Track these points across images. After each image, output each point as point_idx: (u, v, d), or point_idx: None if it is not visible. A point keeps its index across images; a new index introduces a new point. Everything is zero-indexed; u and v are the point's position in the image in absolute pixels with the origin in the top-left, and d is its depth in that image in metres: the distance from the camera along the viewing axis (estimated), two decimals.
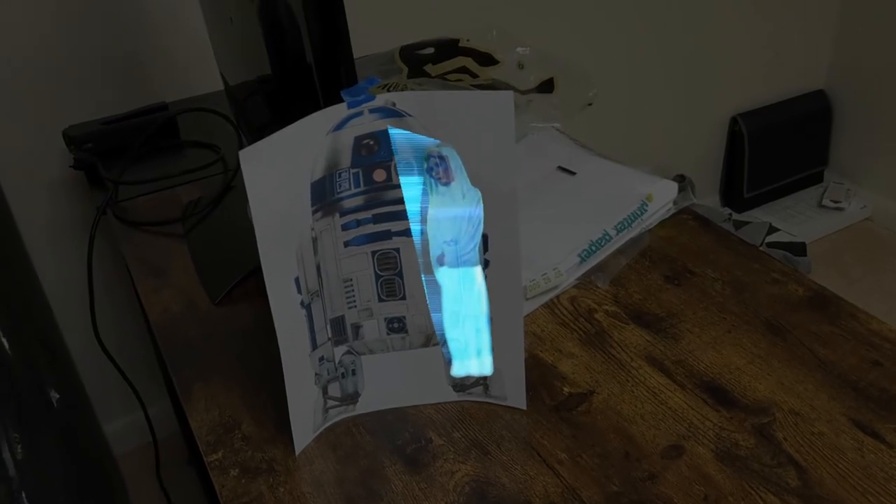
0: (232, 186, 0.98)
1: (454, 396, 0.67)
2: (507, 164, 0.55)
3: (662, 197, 0.88)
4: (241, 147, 1.07)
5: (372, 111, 0.55)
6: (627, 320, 0.74)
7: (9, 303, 0.86)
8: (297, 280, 0.57)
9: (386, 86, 1.06)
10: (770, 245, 1.96)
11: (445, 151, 0.56)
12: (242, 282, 0.83)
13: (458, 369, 0.66)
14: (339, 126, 0.54)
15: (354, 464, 0.63)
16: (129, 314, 1.47)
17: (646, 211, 0.85)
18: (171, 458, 1.52)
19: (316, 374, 0.62)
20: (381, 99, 0.54)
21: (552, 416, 0.65)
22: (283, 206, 0.54)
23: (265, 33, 0.60)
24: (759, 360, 0.68)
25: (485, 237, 0.59)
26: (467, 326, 0.63)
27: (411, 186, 0.57)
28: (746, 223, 2.00)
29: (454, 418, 0.66)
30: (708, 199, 2.11)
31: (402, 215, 0.59)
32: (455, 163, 0.56)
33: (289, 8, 0.54)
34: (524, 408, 0.66)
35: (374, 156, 0.56)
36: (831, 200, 2.08)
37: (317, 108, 0.53)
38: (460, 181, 0.57)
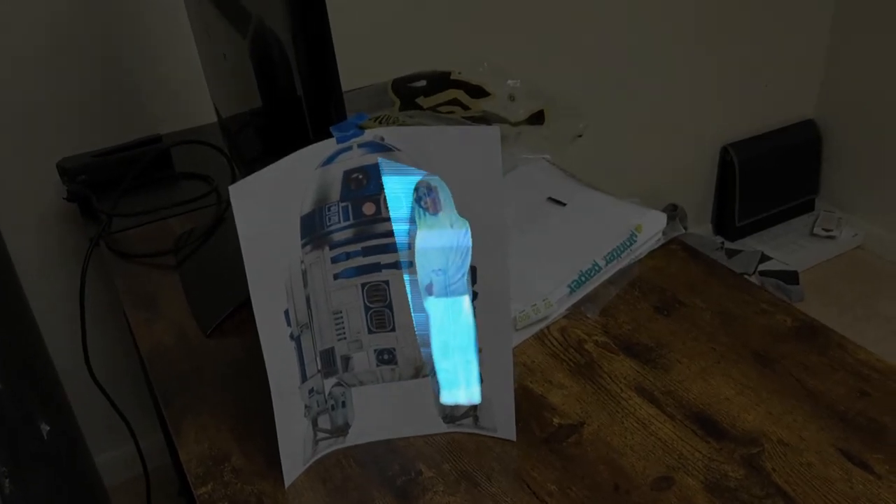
0: (224, 218, 0.98)
1: (444, 428, 0.67)
2: (494, 197, 0.56)
3: (651, 227, 0.88)
4: (234, 178, 1.08)
5: (361, 146, 0.55)
6: (617, 351, 0.75)
7: None
8: (286, 312, 0.58)
9: (378, 118, 1.07)
10: (762, 273, 1.97)
11: (434, 183, 0.57)
12: (234, 313, 0.83)
13: (448, 400, 0.66)
14: (329, 160, 0.55)
15: (344, 497, 0.62)
16: (121, 345, 1.46)
17: (635, 241, 0.86)
18: (163, 490, 1.50)
19: (306, 407, 0.63)
20: (370, 134, 0.55)
21: (542, 447, 0.65)
22: (272, 240, 0.54)
23: (256, 69, 0.61)
24: (748, 391, 0.69)
25: (473, 269, 0.59)
26: (457, 358, 0.64)
27: (401, 219, 0.58)
28: (739, 252, 2.01)
29: (444, 450, 0.66)
30: (700, 228, 2.12)
31: (392, 248, 0.59)
32: (444, 194, 0.57)
33: (279, 45, 0.55)
34: (514, 439, 0.66)
35: (364, 189, 0.57)
36: (823, 229, 2.09)
37: (307, 142, 0.54)
38: (448, 213, 0.58)
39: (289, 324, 0.58)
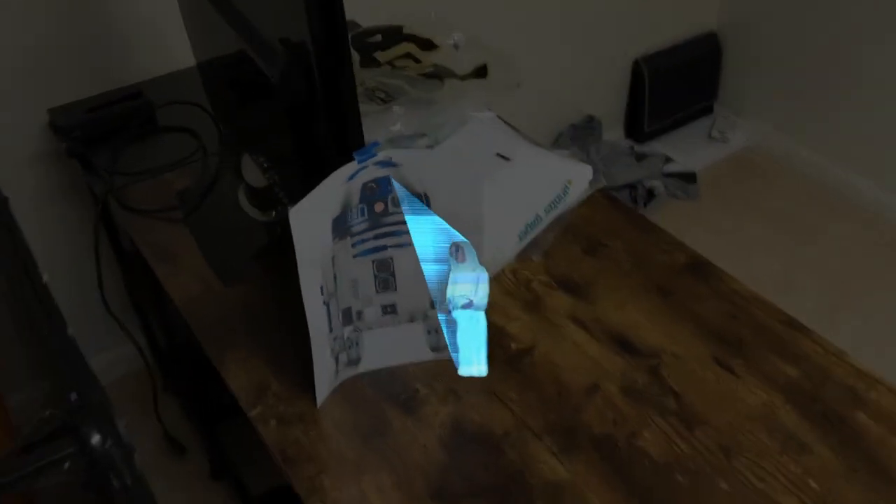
0: (218, 177, 1.14)
1: (432, 356, 0.89)
2: (472, 199, 0.76)
3: (581, 180, 1.09)
4: (219, 133, 1.22)
5: (375, 164, 0.74)
6: (557, 287, 0.98)
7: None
8: (321, 287, 0.77)
9: None
10: (666, 175, 2.23)
11: (424, 189, 0.76)
12: (247, 265, 1.01)
13: (435, 335, 0.88)
14: (352, 177, 0.73)
15: (363, 411, 0.85)
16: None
17: (568, 193, 1.07)
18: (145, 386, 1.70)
19: (331, 349, 0.83)
20: (382, 155, 0.73)
21: (505, 367, 0.89)
22: (314, 240, 0.73)
23: (289, 114, 0.77)
24: (652, 317, 0.93)
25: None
26: (441, 305, 0.85)
27: (401, 214, 0.77)
28: (646, 156, 2.26)
29: (432, 373, 0.88)
30: (613, 133, 2.35)
31: (395, 234, 0.79)
32: (432, 196, 0.77)
33: (314, 102, 0.71)
34: None
35: (375, 194, 0.76)
36: (718, 131, 2.36)
37: (335, 166, 0.72)
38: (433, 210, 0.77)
39: (322, 294, 0.78)
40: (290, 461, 0.80)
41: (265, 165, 0.99)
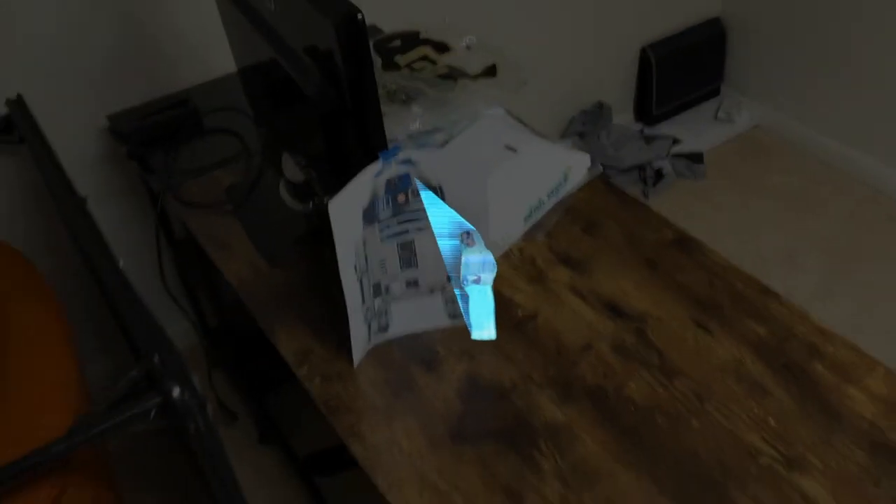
0: (261, 174, 1.30)
1: (450, 322, 1.04)
2: (478, 190, 0.91)
3: (579, 167, 1.24)
4: (259, 135, 1.38)
5: (397, 162, 0.89)
6: (558, 263, 1.12)
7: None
8: (355, 266, 0.92)
9: None
10: (674, 156, 2.35)
11: (438, 182, 0.91)
12: (288, 250, 1.17)
13: (452, 305, 1.03)
14: (378, 174, 0.88)
15: (392, 370, 1.00)
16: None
17: (568, 179, 1.22)
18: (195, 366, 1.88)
19: (364, 317, 0.99)
20: (403, 155, 0.88)
21: (512, 331, 1.03)
22: (349, 226, 0.88)
23: (322, 123, 0.92)
24: (641, 286, 1.08)
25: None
26: (456, 280, 1.00)
27: (420, 203, 0.92)
28: (655, 138, 2.38)
29: (451, 337, 1.04)
30: (624, 118, 2.47)
31: (416, 220, 0.94)
32: (447, 189, 0.91)
33: (343, 109, 0.86)
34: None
35: (398, 188, 0.91)
36: (724, 113, 2.47)
37: (363, 165, 0.87)
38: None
39: (356, 271, 0.93)
40: (332, 411, 0.96)
41: (302, 163, 1.14)
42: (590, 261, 1.12)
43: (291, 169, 1.18)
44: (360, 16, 0.77)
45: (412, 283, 1.00)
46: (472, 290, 1.01)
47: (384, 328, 1.03)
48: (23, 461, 0.86)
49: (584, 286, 1.08)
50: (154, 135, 1.39)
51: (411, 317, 1.03)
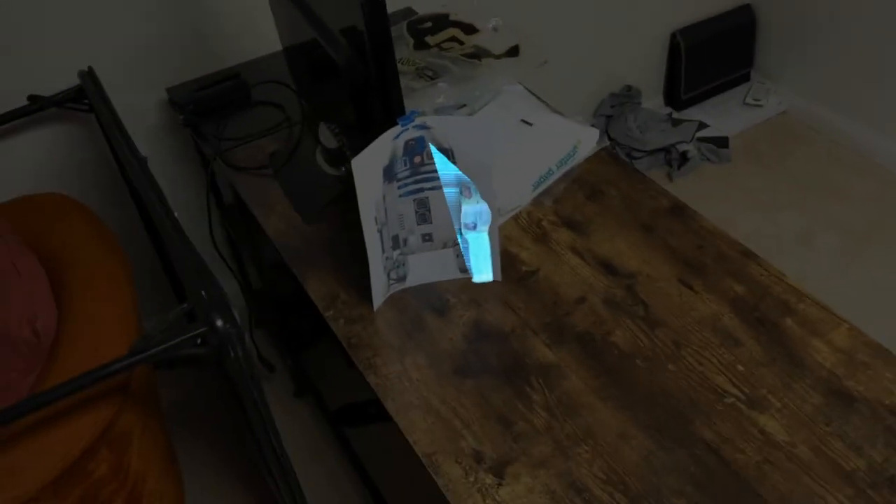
0: (300, 142, 1.44)
1: (460, 275, 1.17)
2: (484, 151, 1.03)
3: (588, 141, 1.35)
4: (301, 108, 1.52)
5: (414, 127, 1.01)
6: (561, 225, 1.24)
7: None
8: (375, 218, 1.06)
9: (399, 61, 1.50)
10: (699, 139, 2.43)
11: (450, 146, 1.03)
12: (322, 209, 1.31)
13: (463, 259, 1.16)
14: (397, 136, 1.01)
15: (407, 315, 1.14)
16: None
17: (577, 151, 1.33)
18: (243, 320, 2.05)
19: (384, 266, 1.12)
20: (419, 121, 1.01)
21: (515, 284, 1.16)
22: (370, 182, 1.02)
23: (352, 93, 1.06)
24: (634, 247, 1.19)
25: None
26: (467, 235, 1.13)
27: (434, 164, 1.05)
28: (682, 122, 2.47)
29: (460, 287, 1.16)
30: (653, 102, 2.55)
31: (431, 179, 1.07)
32: (457, 152, 1.04)
33: (367, 75, 0.99)
34: (500, 279, 1.16)
35: (415, 149, 1.04)
36: (753, 98, 2.53)
37: (384, 129, 1.00)
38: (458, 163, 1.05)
39: (376, 223, 1.07)
40: (353, 347, 1.10)
41: (336, 131, 1.28)
42: (590, 224, 1.23)
43: (327, 136, 1.32)
44: None
45: (427, 238, 1.13)
46: (472, 240, 1.13)
47: (402, 278, 1.16)
48: (86, 375, 1.02)
49: (583, 246, 1.20)
50: (207, 105, 1.55)
51: (426, 269, 1.16)
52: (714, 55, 2.50)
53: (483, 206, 1.06)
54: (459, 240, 1.13)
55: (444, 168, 1.06)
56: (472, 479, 0.94)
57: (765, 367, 1.01)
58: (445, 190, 1.08)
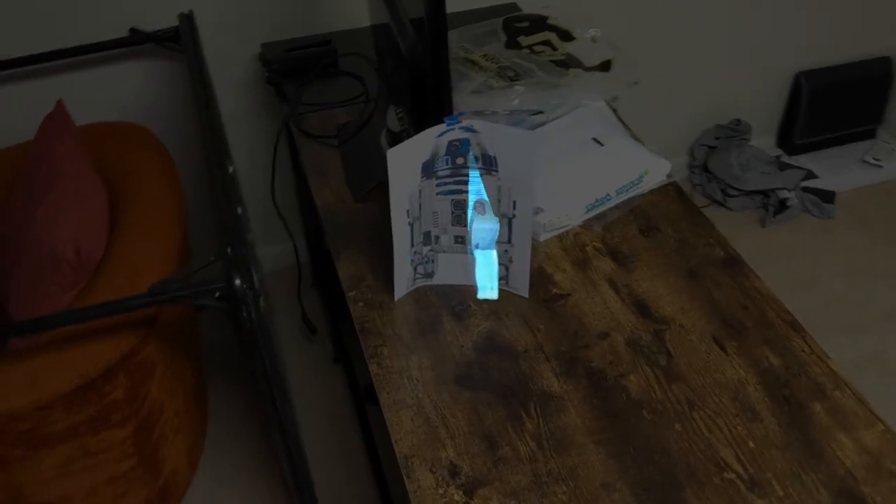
0: (372, 116, 1.44)
1: None
2: (528, 165, 0.99)
3: (657, 172, 1.28)
4: (379, 84, 1.52)
5: (459, 128, 0.99)
6: (605, 254, 1.19)
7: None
8: (407, 211, 1.04)
9: (484, 55, 1.47)
10: (804, 189, 2.28)
11: (494, 152, 1.00)
12: (374, 188, 1.31)
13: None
14: (441, 134, 0.99)
15: (425, 312, 1.12)
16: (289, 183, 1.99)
17: (642, 181, 1.27)
18: (304, 281, 2.09)
19: (411, 259, 1.11)
20: (465, 122, 0.98)
21: (541, 304, 1.12)
22: (405, 175, 1.00)
23: (412, 82, 1.04)
24: (675, 293, 1.12)
25: (514, 202, 1.04)
26: (500, 245, 1.10)
27: (475, 167, 1.02)
28: (789, 167, 2.32)
29: None
30: (763, 140, 2.42)
31: (472, 182, 1.04)
32: (500, 159, 1.01)
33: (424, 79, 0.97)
34: (526, 296, 1.13)
35: (458, 150, 1.01)
36: (873, 158, 2.35)
37: (432, 124, 0.98)
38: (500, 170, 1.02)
39: (408, 216, 1.05)
40: (364, 331, 1.10)
41: (401, 115, 1.27)
42: (636, 259, 1.18)
43: (393, 119, 1.31)
44: None
45: (459, 240, 1.11)
46: (479, 258, 1.10)
47: (429, 274, 1.14)
48: (104, 305, 1.06)
49: (622, 281, 1.15)
50: (293, 66, 1.57)
51: (454, 270, 1.14)
52: (839, 104, 2.34)
53: (526, 223, 1.03)
54: (493, 248, 1.10)
55: (486, 174, 1.03)
56: (441, 491, 0.92)
57: (778, 449, 0.94)
58: (484, 198, 1.05)
